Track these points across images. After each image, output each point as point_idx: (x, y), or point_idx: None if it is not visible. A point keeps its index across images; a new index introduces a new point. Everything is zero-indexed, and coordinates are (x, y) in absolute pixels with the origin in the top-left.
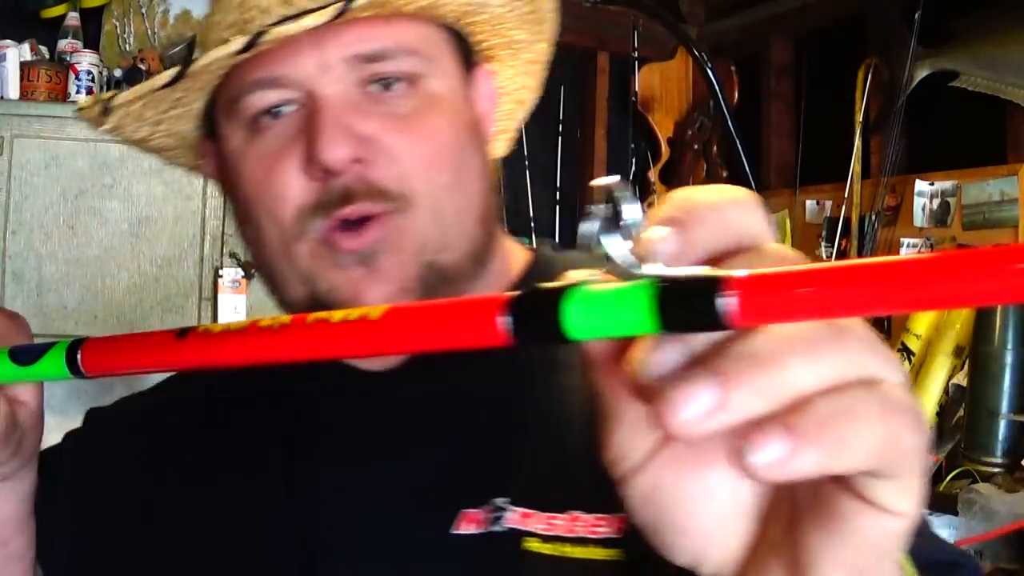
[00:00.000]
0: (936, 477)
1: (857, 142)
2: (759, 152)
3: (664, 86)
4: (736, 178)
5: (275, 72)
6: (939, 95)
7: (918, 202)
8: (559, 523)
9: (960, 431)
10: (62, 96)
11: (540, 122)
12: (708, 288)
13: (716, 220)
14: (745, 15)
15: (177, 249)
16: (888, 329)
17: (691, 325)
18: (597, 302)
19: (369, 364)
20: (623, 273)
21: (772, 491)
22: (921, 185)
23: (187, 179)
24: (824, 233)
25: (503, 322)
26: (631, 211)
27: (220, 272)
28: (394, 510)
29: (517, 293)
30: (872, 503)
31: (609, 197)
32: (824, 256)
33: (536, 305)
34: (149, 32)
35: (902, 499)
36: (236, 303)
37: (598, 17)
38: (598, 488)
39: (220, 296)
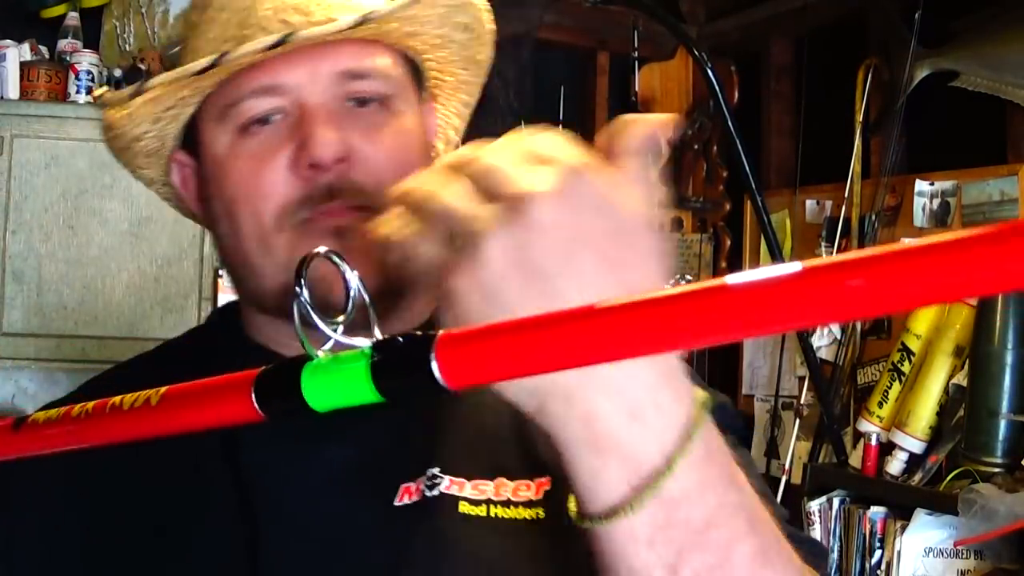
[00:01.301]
0: (936, 477)
1: (857, 142)
2: (759, 152)
3: (664, 86)
4: (736, 178)
5: (272, 80)
6: (939, 95)
7: (918, 202)
8: (487, 488)
9: (960, 431)
10: (62, 96)
11: (540, 122)
12: (416, 355)
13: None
14: (745, 15)
15: (177, 249)
16: (888, 329)
17: (406, 393)
18: (327, 375)
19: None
20: (343, 345)
21: None
22: (921, 185)
23: None
24: (824, 233)
25: (253, 400)
26: (352, 280)
27: (220, 272)
28: (339, 487)
29: (260, 371)
30: None
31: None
32: (824, 256)
33: (276, 383)
34: (149, 32)
35: None
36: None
37: (598, 17)
38: (520, 457)
39: (220, 296)
